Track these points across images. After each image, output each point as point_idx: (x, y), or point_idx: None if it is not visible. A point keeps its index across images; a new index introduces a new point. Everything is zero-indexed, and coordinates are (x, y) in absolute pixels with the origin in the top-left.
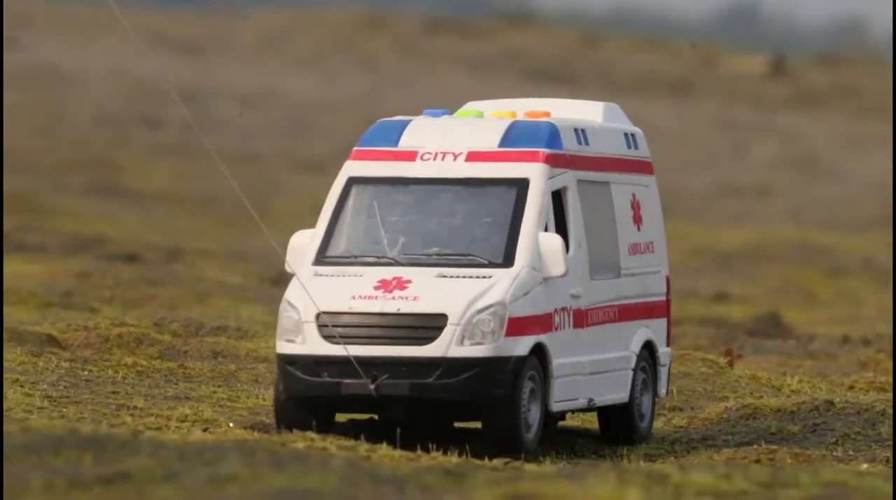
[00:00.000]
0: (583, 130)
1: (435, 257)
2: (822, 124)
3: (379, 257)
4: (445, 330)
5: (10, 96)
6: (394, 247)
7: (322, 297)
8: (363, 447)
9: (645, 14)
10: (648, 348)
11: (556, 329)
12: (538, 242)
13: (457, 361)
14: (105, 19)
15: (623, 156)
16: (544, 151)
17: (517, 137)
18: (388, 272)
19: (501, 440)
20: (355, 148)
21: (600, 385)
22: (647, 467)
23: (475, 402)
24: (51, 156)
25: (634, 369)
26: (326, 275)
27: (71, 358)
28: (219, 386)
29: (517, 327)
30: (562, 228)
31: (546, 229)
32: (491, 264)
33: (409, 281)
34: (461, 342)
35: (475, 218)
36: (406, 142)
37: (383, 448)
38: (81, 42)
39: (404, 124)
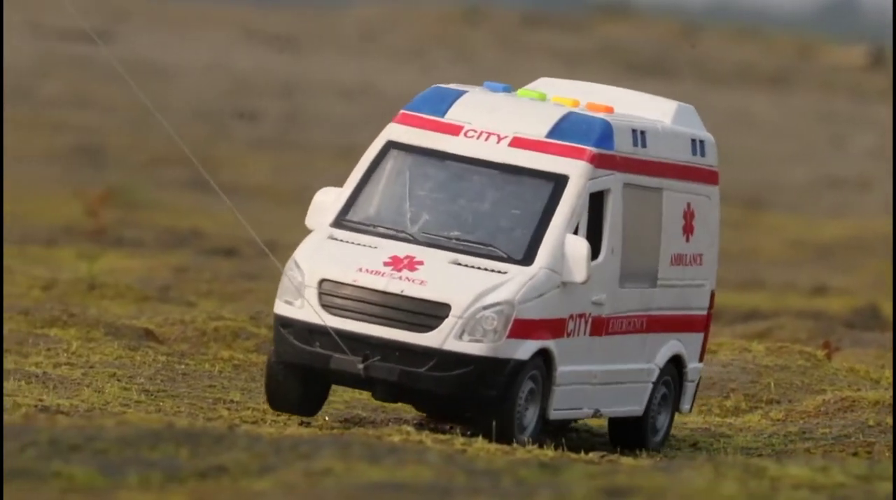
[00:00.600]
0: (642, 132)
1: (454, 241)
2: None
3: (398, 231)
4: (446, 321)
5: (107, 91)
6: (416, 223)
7: (329, 263)
8: (459, 440)
9: (743, 6)
10: (676, 362)
11: (569, 335)
12: (564, 244)
13: (452, 355)
14: (203, 14)
15: (685, 163)
16: (591, 149)
17: (568, 129)
18: (403, 249)
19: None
20: (402, 111)
21: (611, 396)
22: (743, 460)
23: (464, 400)
24: (148, 150)
25: (655, 383)
26: (341, 240)
27: (168, 352)
28: None
29: (523, 329)
30: (596, 232)
31: (577, 232)
32: (509, 260)
33: (420, 263)
34: (460, 336)
35: (504, 208)
36: (454, 114)
37: (479, 442)
38: (179, 37)
39: (457, 95)
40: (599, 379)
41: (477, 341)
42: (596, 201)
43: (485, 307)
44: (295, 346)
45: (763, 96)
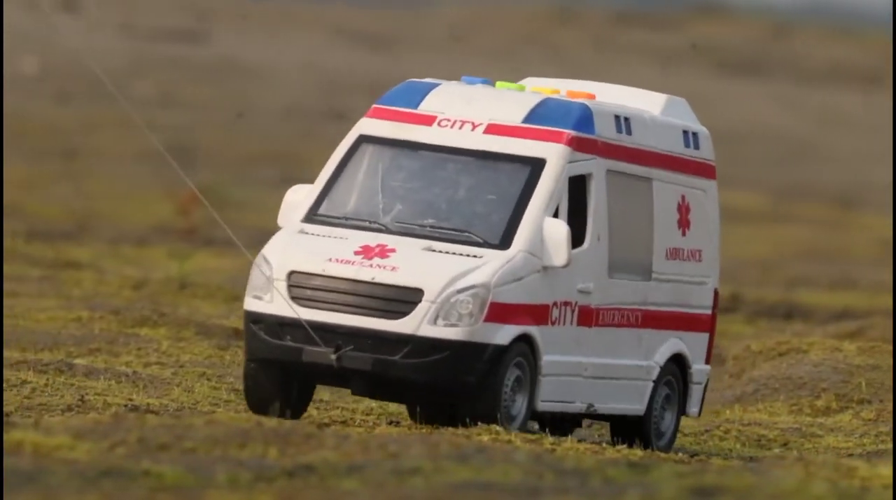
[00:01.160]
0: (626, 119)
1: (428, 228)
2: None
3: (370, 222)
4: (419, 306)
5: (198, 90)
6: (388, 213)
7: (297, 256)
8: (548, 439)
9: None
10: (679, 362)
11: (553, 323)
12: (542, 227)
13: (426, 340)
14: (295, 14)
15: (677, 154)
16: (570, 132)
17: (545, 114)
18: (375, 239)
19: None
20: (374, 105)
21: (606, 392)
22: (833, 460)
23: (442, 387)
24: (238, 149)
25: (656, 382)
26: (311, 233)
27: None
28: None
29: (500, 313)
30: (581, 218)
31: (557, 216)
32: (486, 244)
33: (392, 250)
34: (434, 321)
35: (480, 194)
36: (427, 106)
37: (568, 441)
38: (271, 36)
39: (430, 87)
40: (591, 372)
41: (452, 325)
42: (578, 187)
43: (459, 291)
44: (266, 341)
45: (856, 95)
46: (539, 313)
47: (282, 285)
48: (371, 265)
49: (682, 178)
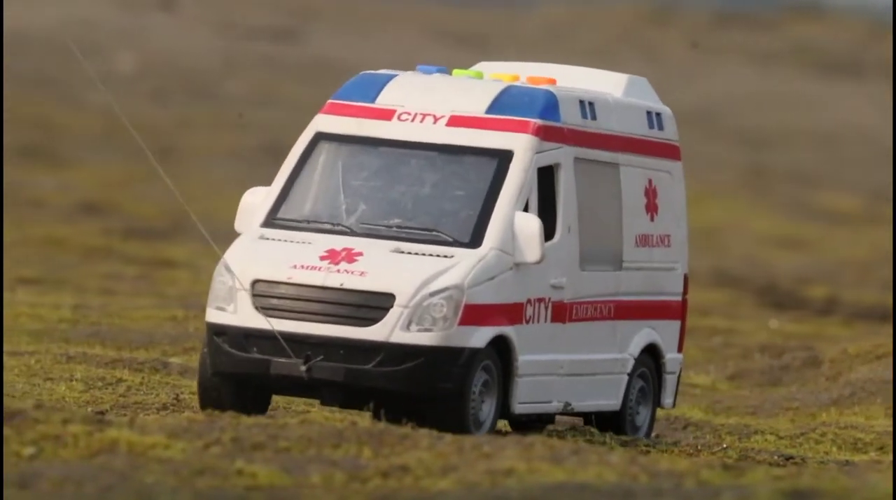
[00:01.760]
0: (590, 103)
1: (395, 229)
2: None
3: (333, 225)
4: (391, 312)
5: (292, 89)
6: (351, 215)
7: (261, 263)
8: (642, 441)
9: None
10: (652, 352)
11: (528, 322)
12: (513, 222)
13: (400, 347)
14: (391, 13)
15: (641, 136)
16: (536, 121)
17: (509, 103)
18: (340, 242)
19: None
20: (329, 101)
21: (582, 389)
22: None
23: (417, 395)
24: None
25: (630, 375)
26: (272, 239)
27: None
28: None
29: (475, 315)
30: (550, 210)
31: (527, 209)
32: (456, 243)
33: (359, 254)
34: (407, 327)
35: (447, 190)
36: (385, 99)
37: (662, 442)
38: (365, 36)
39: (387, 79)
40: (567, 370)
41: (426, 330)
42: (546, 177)
43: (431, 294)
44: (231, 354)
45: None
46: (513, 313)
47: (245, 296)
48: (339, 271)
49: (648, 161)
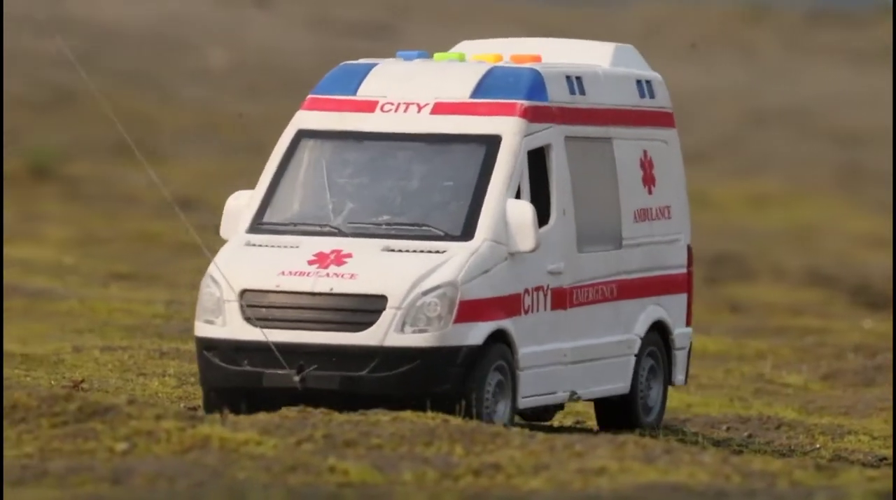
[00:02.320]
0: (578, 78)
1: (384, 226)
2: None
3: (321, 226)
4: (384, 315)
5: None
6: (339, 214)
7: (248, 272)
8: (735, 440)
9: None
10: (660, 329)
11: (526, 312)
12: (505, 211)
13: (394, 351)
14: (484, 9)
15: (633, 106)
16: (523, 103)
17: (493, 86)
18: (329, 244)
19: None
20: (309, 95)
21: (589, 375)
22: None
23: (416, 400)
24: None
25: (639, 355)
26: (259, 245)
27: None
28: None
29: (471, 311)
30: (543, 194)
31: (519, 195)
32: (447, 237)
33: (348, 256)
34: (401, 329)
35: (435, 182)
36: (366, 90)
37: (756, 442)
38: (458, 32)
39: (367, 69)
40: (571, 357)
41: (421, 331)
42: (537, 160)
43: (424, 293)
44: (222, 368)
45: None
46: (510, 305)
47: (234, 308)
48: (328, 274)
49: (641, 131)
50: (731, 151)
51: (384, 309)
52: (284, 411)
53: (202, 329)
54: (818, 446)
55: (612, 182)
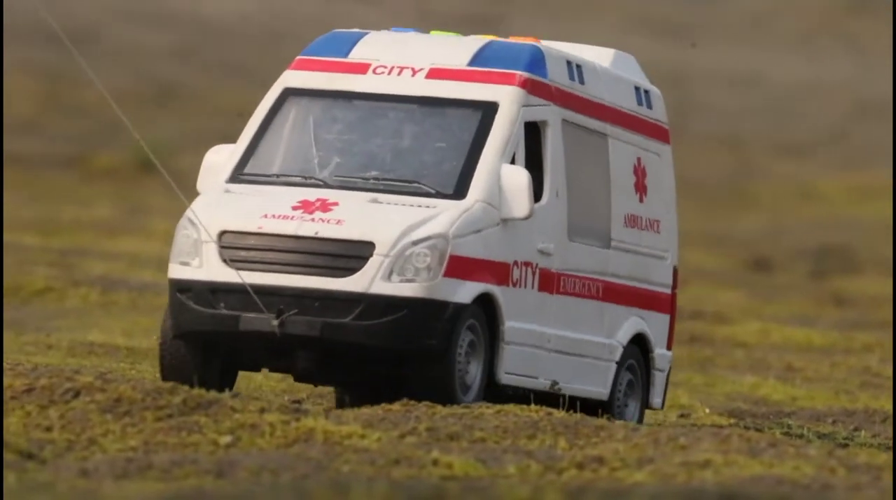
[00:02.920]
0: (578, 66)
1: (372, 181)
2: None
3: (306, 178)
4: (371, 261)
5: None
6: (325, 168)
7: (228, 214)
8: (841, 433)
9: None
10: (641, 344)
11: (514, 285)
12: (500, 175)
13: (381, 299)
14: (589, 1)
15: (630, 111)
16: (522, 74)
17: (492, 56)
18: (313, 193)
19: (431, 398)
20: (298, 57)
21: (570, 370)
22: None
23: (400, 351)
24: None
25: (619, 364)
26: (239, 193)
27: None
28: (695, 372)
29: (461, 267)
30: (537, 171)
31: (514, 163)
32: (439, 195)
33: (335, 204)
34: (388, 277)
35: (427, 143)
36: (359, 53)
37: (861, 435)
38: (568, 23)
39: (359, 36)
40: (554, 345)
41: (409, 281)
42: (533, 135)
43: (415, 242)
44: (196, 311)
45: None
46: (500, 272)
47: (212, 249)
48: (313, 219)
49: (636, 138)
50: (837, 143)
51: (371, 256)
52: (387, 405)
53: (176, 271)
54: None
55: (604, 179)
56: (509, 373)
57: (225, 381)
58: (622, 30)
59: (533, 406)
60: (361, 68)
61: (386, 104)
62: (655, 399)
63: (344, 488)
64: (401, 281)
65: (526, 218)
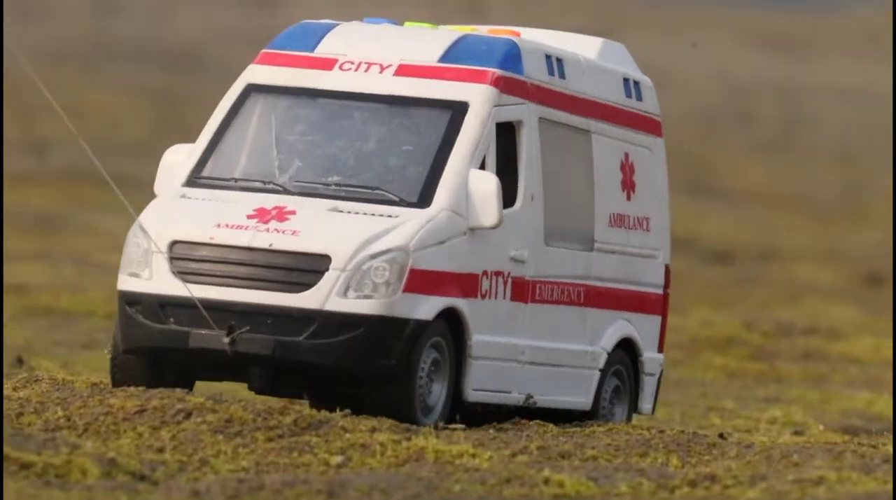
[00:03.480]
0: (558, 60)
1: (333, 187)
2: None
3: (265, 183)
4: (326, 276)
5: None
6: (285, 172)
7: (180, 223)
8: None
9: None
10: (628, 348)
11: (483, 297)
12: (468, 180)
13: (336, 316)
14: (704, 18)
15: (617, 104)
16: (495, 71)
17: (464, 52)
18: (271, 201)
19: (391, 419)
20: (263, 50)
21: (546, 381)
22: None
23: (355, 372)
24: None
25: (603, 371)
26: (194, 198)
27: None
28: (809, 388)
29: (422, 282)
30: (510, 174)
31: (484, 168)
32: (402, 203)
33: (291, 212)
34: (344, 293)
35: (393, 145)
36: (326, 48)
37: None
38: (680, 40)
39: (328, 28)
40: (528, 357)
41: (366, 297)
42: (506, 136)
43: (373, 256)
44: (144, 326)
45: None
46: (467, 284)
47: (162, 260)
48: (268, 230)
49: (624, 133)
50: None
51: (327, 270)
52: (498, 424)
53: (125, 282)
54: None
55: (587, 178)
56: (478, 389)
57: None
58: (734, 45)
59: (644, 423)
60: (328, 64)
61: (351, 103)
62: (645, 405)
63: None
64: (357, 297)
65: (495, 227)
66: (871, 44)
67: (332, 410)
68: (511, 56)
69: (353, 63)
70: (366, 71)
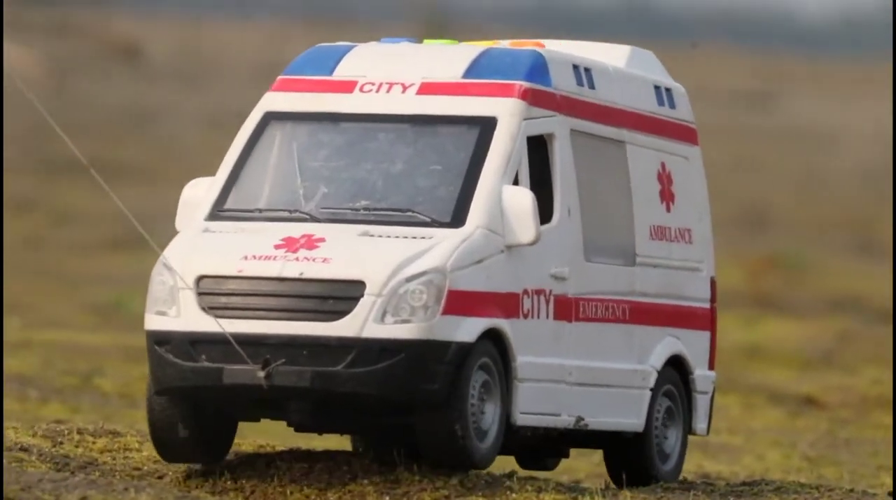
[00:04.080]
0: (587, 69)
1: (363, 212)
2: None
3: (291, 212)
4: (362, 302)
5: (768, 154)
6: (311, 199)
7: (206, 257)
8: None
9: None
10: (677, 366)
11: (526, 316)
12: (502, 197)
13: (375, 343)
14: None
15: (650, 113)
16: (522, 84)
17: (489, 66)
18: (299, 229)
19: (440, 450)
20: (279, 77)
21: (596, 403)
22: None
23: (398, 399)
24: (812, 215)
25: (654, 391)
26: (219, 232)
27: (830, 418)
28: None
29: (462, 303)
30: (545, 190)
31: (517, 184)
32: (435, 223)
33: (321, 240)
34: (381, 319)
35: (421, 165)
36: (345, 70)
37: None
38: (843, 99)
39: (345, 50)
40: (576, 378)
41: (404, 321)
42: (538, 150)
43: (408, 279)
44: (176, 365)
45: None
46: (508, 304)
47: (189, 296)
48: (297, 259)
49: (659, 142)
50: None
51: (362, 296)
52: (666, 483)
53: (153, 322)
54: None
55: (624, 190)
56: (526, 413)
57: (222, 432)
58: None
59: (813, 483)
60: (348, 86)
61: (375, 125)
62: (700, 425)
63: None
64: (395, 322)
65: (533, 243)
66: None
67: (378, 450)
68: (537, 67)
69: (373, 84)
70: (387, 91)
